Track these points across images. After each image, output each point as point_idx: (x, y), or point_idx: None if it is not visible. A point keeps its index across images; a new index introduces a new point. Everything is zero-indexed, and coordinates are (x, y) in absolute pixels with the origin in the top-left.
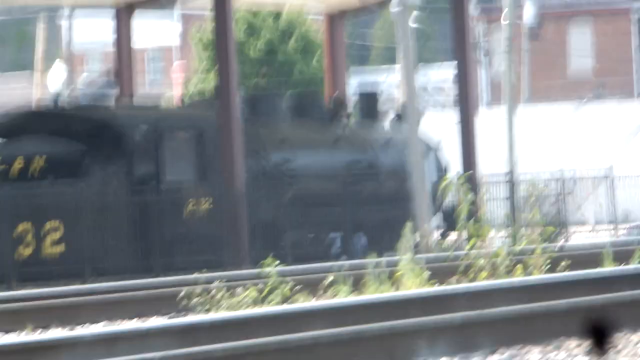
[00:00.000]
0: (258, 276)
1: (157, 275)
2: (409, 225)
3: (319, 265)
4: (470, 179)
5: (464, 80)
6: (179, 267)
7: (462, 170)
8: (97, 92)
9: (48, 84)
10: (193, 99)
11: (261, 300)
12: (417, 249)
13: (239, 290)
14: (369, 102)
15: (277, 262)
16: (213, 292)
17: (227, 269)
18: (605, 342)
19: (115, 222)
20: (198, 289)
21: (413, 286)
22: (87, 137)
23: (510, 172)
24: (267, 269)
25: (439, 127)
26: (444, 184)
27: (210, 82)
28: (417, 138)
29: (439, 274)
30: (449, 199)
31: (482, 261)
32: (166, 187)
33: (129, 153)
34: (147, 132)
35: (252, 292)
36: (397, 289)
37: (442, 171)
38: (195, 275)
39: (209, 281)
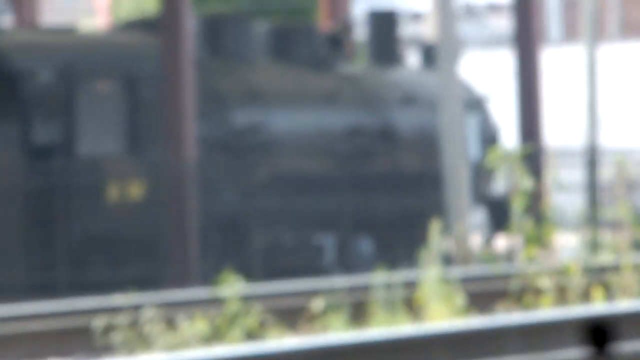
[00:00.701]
0: (211, 299)
1: (61, 297)
2: (437, 224)
3: (302, 283)
4: (532, 155)
5: (524, 5)
6: (95, 284)
7: (519, 141)
8: None
9: None
10: (122, 23)
11: (214, 335)
12: (448, 259)
13: (181, 320)
14: (384, 30)
15: (240, 277)
16: (144, 323)
17: (166, 288)
18: None
19: (1, 216)
20: (122, 318)
21: (441, 317)
22: None
23: (591, 147)
24: (225, 289)
25: (485, 73)
26: (491, 160)
27: (149, 5)
28: (453, 90)
29: (481, 298)
30: (498, 185)
31: (545, 280)
32: (79, 162)
33: (23, 111)
34: (51, 78)
35: (201, 324)
36: (418, 321)
37: (489, 141)
38: (119, 298)
39: (139, 306)
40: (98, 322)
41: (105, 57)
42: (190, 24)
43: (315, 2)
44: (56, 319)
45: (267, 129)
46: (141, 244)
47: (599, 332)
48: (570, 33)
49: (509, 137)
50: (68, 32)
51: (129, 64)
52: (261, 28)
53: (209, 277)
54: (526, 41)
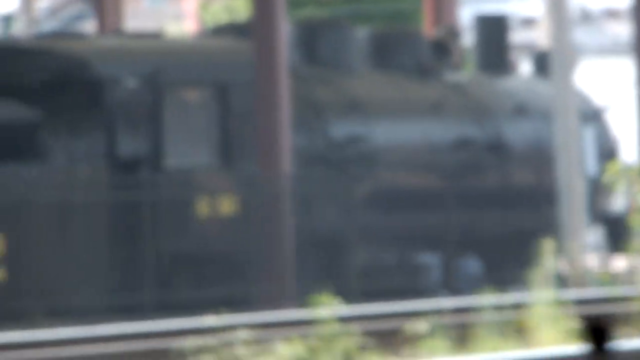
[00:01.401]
0: (307, 320)
1: (146, 317)
2: (549, 243)
3: (403, 304)
4: None
5: None
6: (183, 304)
7: (639, 155)
8: (66, 22)
9: None
10: (213, 28)
11: (310, 358)
12: (562, 281)
13: (276, 343)
14: (493, 36)
15: (338, 298)
16: (236, 345)
17: (260, 309)
18: None
19: (85, 232)
20: (212, 339)
21: (553, 342)
22: (44, 93)
23: None
24: (321, 311)
25: (603, 82)
26: (609, 175)
27: (239, 11)
28: (568, 100)
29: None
30: (617, 202)
31: None
32: (167, 176)
33: (109, 121)
34: (138, 87)
35: (297, 347)
36: (527, 346)
37: (607, 155)
38: (209, 318)
39: (230, 327)
40: (188, 344)
41: (193, 64)
42: (285, 29)
43: (419, 6)
44: (139, 342)
45: (367, 142)
46: (232, 263)
47: None
48: None
49: (629, 151)
50: (154, 37)
51: (219, 72)
52: (361, 34)
53: (305, 298)
54: None
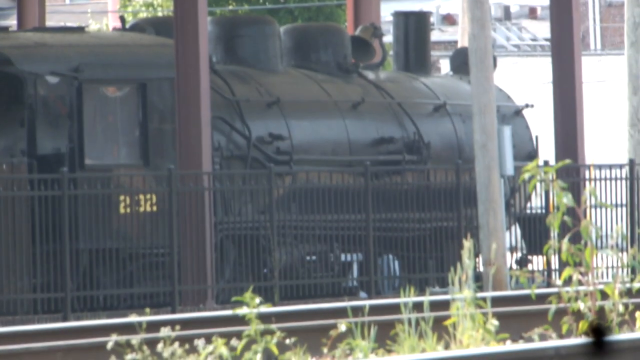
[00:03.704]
0: (228, 320)
1: (66, 318)
2: (468, 245)
3: (325, 305)
4: (569, 170)
5: (564, 10)
6: (105, 304)
7: (556, 156)
8: None
9: None
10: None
11: (233, 359)
12: (479, 283)
13: (199, 343)
14: (414, 34)
15: (259, 299)
16: (159, 345)
17: (181, 309)
18: None
19: (5, 232)
20: (135, 339)
21: (472, 343)
22: None
23: (631, 161)
24: (243, 311)
25: (521, 83)
26: (525, 176)
27: (160, 7)
28: (487, 100)
29: (514, 323)
30: (533, 203)
31: (582, 305)
32: (88, 175)
33: (28, 119)
34: (59, 84)
35: (219, 347)
36: (447, 346)
37: (524, 157)
38: (131, 319)
39: (153, 325)
40: (109, 344)
41: (115, 59)
42: (206, 25)
43: (341, 2)
44: (61, 343)
45: (287, 142)
46: (153, 261)
47: None
48: (608, 42)
49: (548, 150)
50: (76, 33)
51: (139, 69)
52: (282, 30)
53: (226, 298)
54: (566, 49)
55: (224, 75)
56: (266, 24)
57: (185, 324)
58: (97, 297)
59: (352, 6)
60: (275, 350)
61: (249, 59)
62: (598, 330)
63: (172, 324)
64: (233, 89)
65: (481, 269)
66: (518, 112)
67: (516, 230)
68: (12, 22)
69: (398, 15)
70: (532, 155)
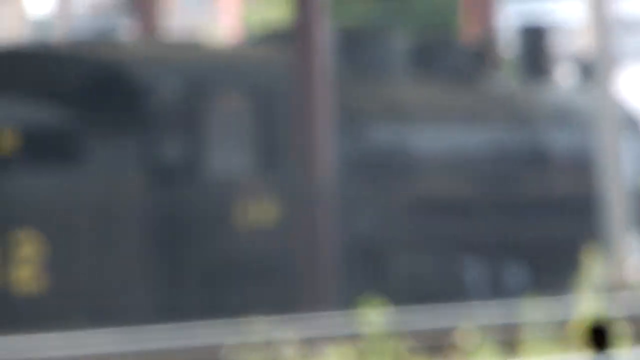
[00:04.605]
0: (350, 326)
1: (189, 320)
2: (594, 251)
3: (448, 311)
4: None
5: None
6: (224, 309)
7: None
8: (104, 23)
9: (27, 9)
10: (252, 34)
11: None
12: (607, 288)
13: (325, 348)
14: (534, 43)
15: (383, 303)
16: (283, 349)
17: (301, 312)
18: None
19: (126, 236)
20: (253, 341)
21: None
22: (84, 95)
23: None
24: (366, 315)
25: None
26: None
27: (280, 10)
28: (611, 106)
29: None
30: None
31: None
32: (208, 181)
33: (149, 124)
34: (179, 90)
35: (346, 352)
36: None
37: None
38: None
39: (278, 329)
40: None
41: (235, 67)
42: (327, 35)
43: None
44: (186, 340)
45: (409, 145)
46: (272, 268)
47: None
48: None
49: None
50: (194, 39)
51: (261, 76)
52: (400, 37)
53: (350, 305)
54: None
55: (347, 77)
56: (388, 35)
57: (312, 329)
58: None
59: (469, 9)
60: (403, 355)
61: (369, 68)
62: None
63: (297, 329)
64: (357, 92)
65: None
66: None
67: None
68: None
69: (518, 31)
70: None
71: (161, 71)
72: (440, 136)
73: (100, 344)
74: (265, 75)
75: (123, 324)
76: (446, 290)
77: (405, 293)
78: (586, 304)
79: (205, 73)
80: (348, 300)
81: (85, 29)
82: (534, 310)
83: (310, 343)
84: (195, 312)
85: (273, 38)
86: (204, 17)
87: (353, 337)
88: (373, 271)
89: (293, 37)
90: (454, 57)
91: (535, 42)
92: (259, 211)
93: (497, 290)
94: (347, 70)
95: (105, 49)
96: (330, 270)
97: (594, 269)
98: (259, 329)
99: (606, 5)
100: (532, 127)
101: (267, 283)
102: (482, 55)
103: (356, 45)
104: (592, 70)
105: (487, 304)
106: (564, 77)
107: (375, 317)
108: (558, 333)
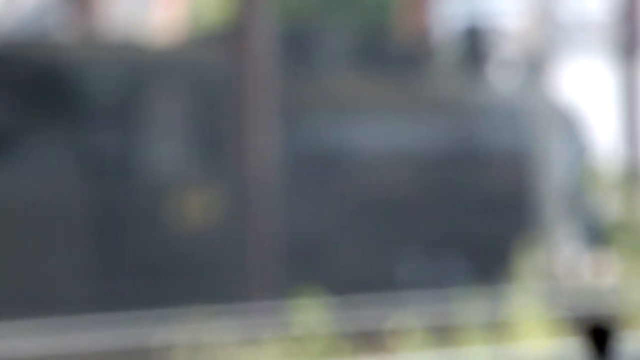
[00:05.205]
0: (286, 315)
1: (123, 309)
2: (529, 245)
3: (382, 299)
4: (633, 174)
5: (627, 11)
6: (159, 301)
7: (619, 157)
8: (40, 18)
9: None
10: (195, 29)
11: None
12: (541, 281)
13: (255, 337)
14: (471, 42)
15: (317, 293)
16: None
17: (237, 304)
18: None
19: (65, 231)
20: (186, 332)
21: (537, 340)
22: (22, 92)
23: None
24: (302, 305)
25: (582, 84)
26: (585, 177)
27: (223, 5)
28: (545, 105)
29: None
30: (593, 205)
31: None
32: (149, 175)
33: (88, 118)
34: (118, 84)
35: (281, 345)
36: (509, 344)
37: (584, 158)
38: (182, 311)
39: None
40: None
41: (176, 59)
42: (272, 34)
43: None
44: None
45: (348, 138)
46: (213, 261)
47: None
48: None
49: (607, 153)
50: (134, 33)
51: (202, 67)
52: (339, 35)
53: (284, 294)
54: (630, 49)
55: (288, 73)
56: (330, 34)
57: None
58: None
59: (406, 5)
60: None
61: (313, 62)
62: None
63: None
64: (294, 94)
65: (542, 267)
66: (576, 117)
67: (577, 231)
68: None
69: (456, 31)
70: (587, 160)
71: (98, 68)
72: (378, 132)
73: (31, 334)
74: (204, 72)
75: (56, 314)
76: (384, 282)
77: (342, 285)
78: (519, 294)
79: (143, 70)
80: (284, 292)
81: (21, 27)
82: (469, 300)
83: (246, 333)
84: (131, 305)
85: (215, 34)
86: (146, 12)
87: (288, 327)
88: (311, 263)
89: (234, 32)
90: (393, 55)
91: (474, 41)
92: (197, 204)
93: (434, 282)
94: (286, 66)
95: (41, 47)
96: (266, 263)
97: (527, 261)
98: (193, 320)
99: (546, 3)
100: (469, 125)
101: (204, 275)
102: (420, 53)
103: (296, 41)
104: (529, 69)
105: (423, 294)
106: (501, 76)
107: (311, 306)
108: (492, 323)
